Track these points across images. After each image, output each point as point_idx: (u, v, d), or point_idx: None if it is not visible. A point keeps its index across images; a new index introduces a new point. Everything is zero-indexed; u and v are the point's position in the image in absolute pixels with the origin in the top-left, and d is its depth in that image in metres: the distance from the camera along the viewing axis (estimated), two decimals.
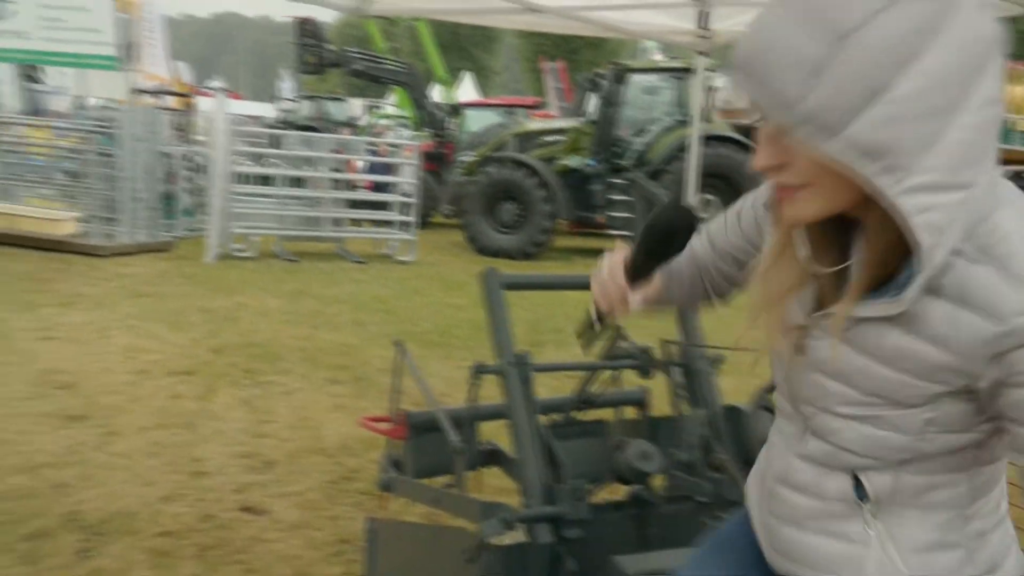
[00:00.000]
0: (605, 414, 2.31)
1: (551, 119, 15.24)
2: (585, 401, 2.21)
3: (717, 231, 1.16)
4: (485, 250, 11.16)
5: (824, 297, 0.91)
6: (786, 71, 0.71)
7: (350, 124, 20.26)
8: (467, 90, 24.24)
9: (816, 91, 0.70)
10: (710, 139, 10.62)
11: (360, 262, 9.77)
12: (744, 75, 0.75)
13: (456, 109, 15.67)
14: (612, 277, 1.06)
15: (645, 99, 11.82)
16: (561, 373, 4.15)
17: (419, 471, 2.25)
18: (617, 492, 2.03)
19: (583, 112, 12.50)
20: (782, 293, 0.93)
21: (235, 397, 4.52)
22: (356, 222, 10.91)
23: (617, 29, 4.23)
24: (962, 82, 0.71)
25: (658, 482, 1.91)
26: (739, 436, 1.94)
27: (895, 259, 0.81)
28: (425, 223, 12.41)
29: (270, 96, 33.02)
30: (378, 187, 11.21)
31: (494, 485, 2.62)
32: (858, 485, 0.92)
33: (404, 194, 10.49)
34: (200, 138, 12.53)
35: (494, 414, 2.07)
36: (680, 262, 1.12)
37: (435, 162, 14.03)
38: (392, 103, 21.93)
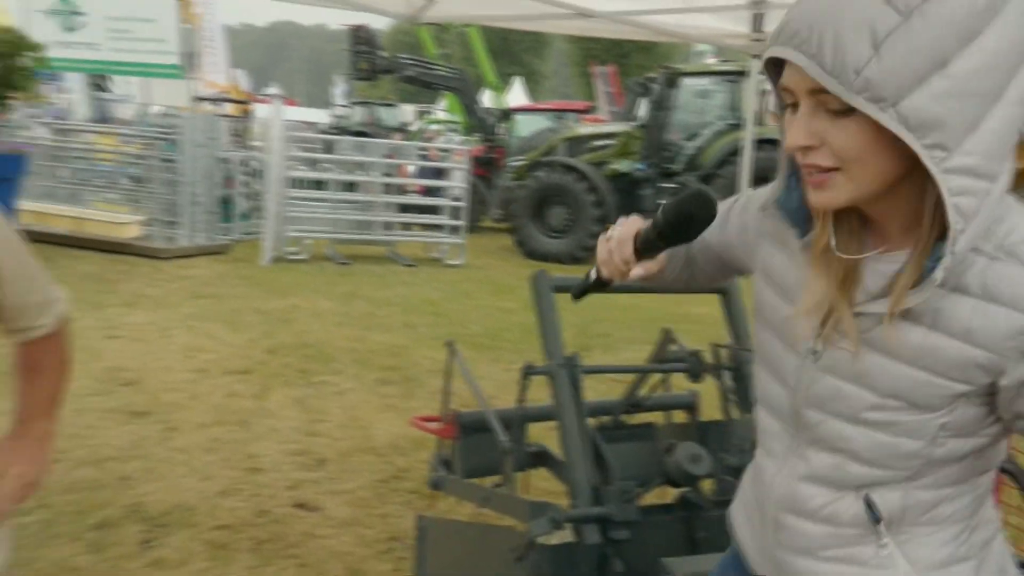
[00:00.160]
0: (654, 417, 2.31)
1: (601, 123, 15.19)
2: (634, 404, 2.22)
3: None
4: (534, 254, 11.19)
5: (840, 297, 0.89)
6: (851, 38, 0.71)
7: (402, 129, 20.52)
8: (517, 95, 24.34)
9: (880, 59, 0.70)
10: (762, 143, 10.47)
11: (410, 265, 9.89)
12: (801, 41, 0.74)
13: (506, 114, 15.73)
14: (620, 246, 1.05)
15: (697, 103, 11.70)
16: (611, 377, 4.15)
17: (468, 471, 2.28)
18: (666, 495, 2.03)
19: (633, 116, 12.43)
20: (826, 292, 0.90)
21: (289, 396, 4.63)
22: (407, 226, 11.04)
23: (669, 33, 4.20)
24: (1009, 70, 0.72)
25: (707, 486, 1.90)
26: None
27: (906, 257, 0.82)
28: (475, 227, 12.49)
29: (325, 102, 33.66)
30: (428, 191, 11.33)
31: (542, 487, 2.64)
32: (869, 507, 0.90)
33: (454, 198, 10.58)
34: (257, 143, 12.85)
35: (543, 415, 2.09)
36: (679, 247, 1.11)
37: (485, 167, 14.11)
38: (443, 108, 22.15)
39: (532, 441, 2.29)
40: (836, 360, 0.89)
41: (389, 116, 21.74)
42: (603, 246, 1.09)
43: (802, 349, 0.94)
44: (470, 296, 8.22)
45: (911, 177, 0.78)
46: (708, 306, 2.51)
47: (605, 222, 11.26)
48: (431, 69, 15.61)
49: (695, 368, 1.99)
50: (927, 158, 0.72)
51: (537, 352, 2.01)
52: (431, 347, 5.74)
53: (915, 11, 0.70)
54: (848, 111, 0.75)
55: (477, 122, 15.32)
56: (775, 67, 0.83)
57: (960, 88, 0.71)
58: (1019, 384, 0.79)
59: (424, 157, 12.27)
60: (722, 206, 1.10)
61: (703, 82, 11.77)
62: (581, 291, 1.17)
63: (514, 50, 40.00)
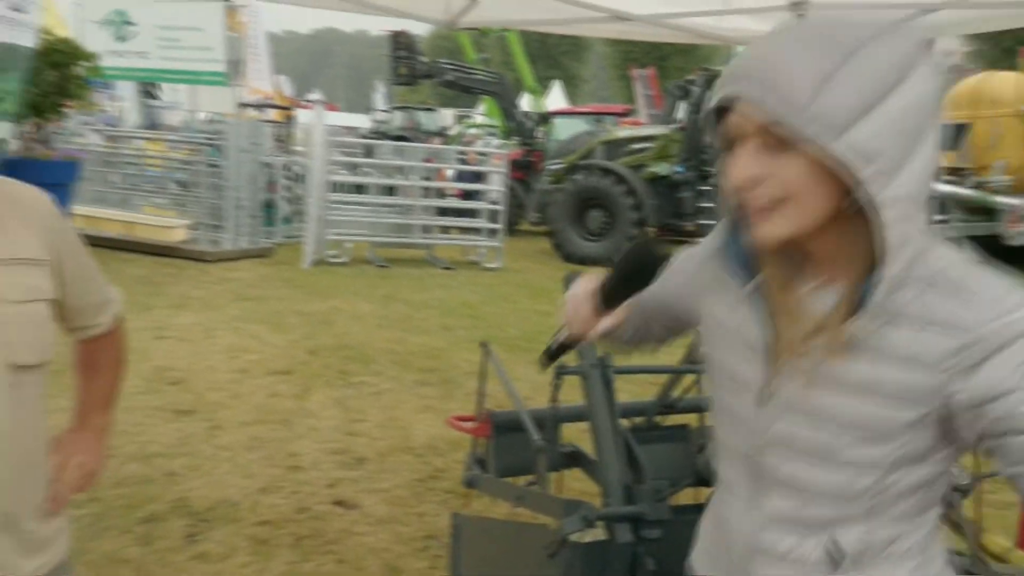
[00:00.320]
0: (688, 419, 2.31)
1: (639, 126, 15.13)
2: (668, 405, 2.22)
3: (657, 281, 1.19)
4: (572, 257, 11.19)
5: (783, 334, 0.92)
6: (799, 77, 0.78)
7: (441, 134, 20.69)
8: (556, 98, 24.34)
9: (826, 95, 0.77)
10: None
11: (449, 268, 9.97)
12: (754, 81, 0.81)
13: (544, 118, 15.77)
14: (582, 303, 1.09)
15: None
16: (644, 379, 4.14)
17: (502, 470, 2.30)
18: (699, 496, 2.03)
19: (672, 119, 12.37)
20: (772, 332, 0.93)
21: (329, 396, 4.72)
22: (445, 229, 11.14)
23: (708, 36, 4.17)
24: (930, 112, 0.81)
25: None
26: None
27: (843, 291, 0.87)
28: (513, 230, 12.54)
29: (366, 107, 34.08)
30: (467, 195, 11.41)
31: (576, 488, 2.66)
32: (834, 545, 0.92)
33: (492, 202, 10.64)
34: (299, 148, 13.08)
35: (576, 415, 2.11)
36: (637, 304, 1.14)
37: (523, 170, 14.16)
38: (482, 113, 22.26)
39: (566, 442, 2.31)
40: (789, 401, 0.91)
41: (429, 120, 21.95)
42: (567, 305, 1.13)
43: (755, 394, 0.95)
44: (507, 299, 8.26)
45: (847, 209, 0.83)
46: None
47: (643, 225, 11.23)
48: (470, 74, 15.72)
49: None
50: (867, 188, 0.78)
51: (571, 353, 2.03)
52: (468, 349, 5.79)
53: (854, 54, 0.78)
54: (790, 147, 0.81)
55: (515, 126, 15.38)
56: (716, 115, 0.89)
57: (894, 125, 0.78)
58: (972, 403, 0.81)
59: (463, 161, 12.36)
60: (673, 258, 1.14)
61: None
62: (553, 355, 1.17)
63: (553, 54, 40.04)
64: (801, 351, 0.89)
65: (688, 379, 2.23)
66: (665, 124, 12.57)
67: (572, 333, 1.12)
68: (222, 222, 9.72)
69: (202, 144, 10.38)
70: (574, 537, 1.66)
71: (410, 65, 15.16)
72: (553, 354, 1.17)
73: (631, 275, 1.05)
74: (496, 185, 10.80)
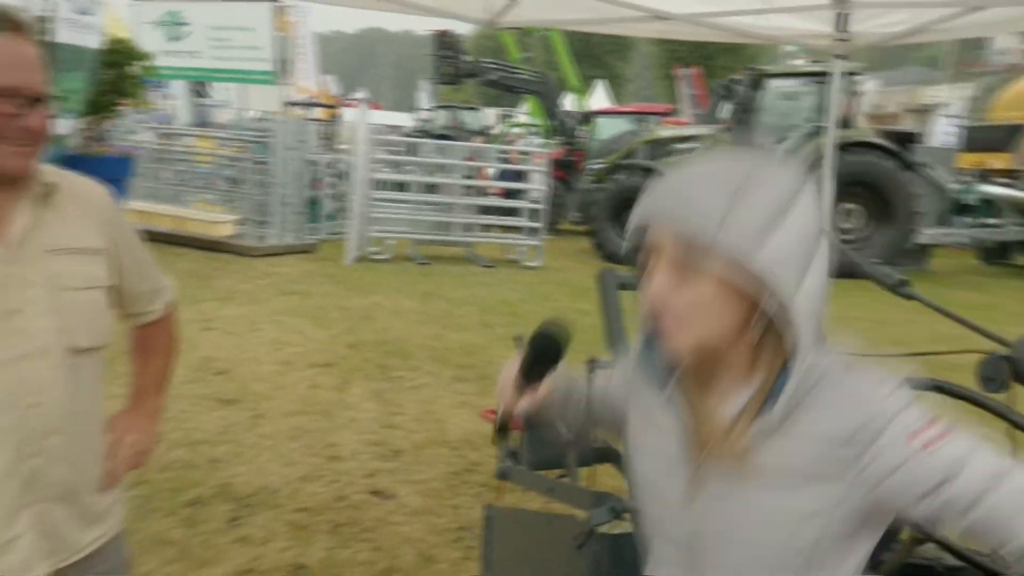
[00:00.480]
0: None
1: (682, 126, 15.02)
2: None
3: (603, 376, 1.24)
4: (612, 257, 11.16)
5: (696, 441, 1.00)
6: (711, 203, 0.89)
7: (484, 132, 20.78)
8: (600, 98, 24.27)
9: (732, 219, 0.87)
10: (853, 146, 10.15)
11: (489, 266, 10.03)
12: (671, 206, 0.92)
13: (587, 117, 15.74)
14: (508, 380, 1.16)
15: (784, 105, 11.44)
16: None
17: (535, 463, 2.34)
18: None
19: (716, 119, 12.25)
20: (688, 437, 1.00)
21: (368, 389, 4.81)
22: (486, 227, 11.21)
23: (750, 35, 4.15)
24: (817, 235, 0.91)
25: None
26: None
27: (749, 394, 0.96)
28: (553, 229, 12.55)
29: (410, 106, 34.38)
30: (508, 194, 11.46)
31: (609, 484, 2.68)
32: None
33: (533, 201, 10.68)
34: (343, 146, 13.28)
35: None
36: (583, 390, 1.23)
37: (565, 169, 14.16)
38: (525, 112, 22.30)
39: (599, 439, 2.33)
40: (709, 502, 0.98)
41: (472, 119, 22.06)
42: (499, 383, 1.20)
43: (678, 495, 1.01)
44: (547, 298, 8.29)
45: (752, 322, 0.92)
46: None
47: None
48: (513, 73, 15.78)
49: None
50: (773, 301, 0.88)
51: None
52: (507, 347, 5.82)
53: (748, 189, 0.88)
54: (701, 265, 0.90)
55: (558, 125, 15.38)
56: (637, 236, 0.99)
57: (791, 246, 0.88)
58: (875, 482, 0.89)
59: (504, 160, 12.42)
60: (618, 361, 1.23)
61: (789, 84, 11.51)
62: (499, 430, 1.21)
63: (597, 53, 39.86)
64: (717, 452, 0.97)
65: None
66: (709, 124, 12.47)
67: (504, 410, 1.18)
68: (268, 218, 9.92)
69: (250, 142, 10.61)
70: (602, 529, 1.69)
71: (453, 64, 15.27)
72: (499, 430, 1.21)
73: (538, 356, 1.13)
74: (537, 184, 10.83)
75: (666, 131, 13.10)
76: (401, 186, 10.77)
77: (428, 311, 7.17)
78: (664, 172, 0.97)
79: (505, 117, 24.30)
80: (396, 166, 11.12)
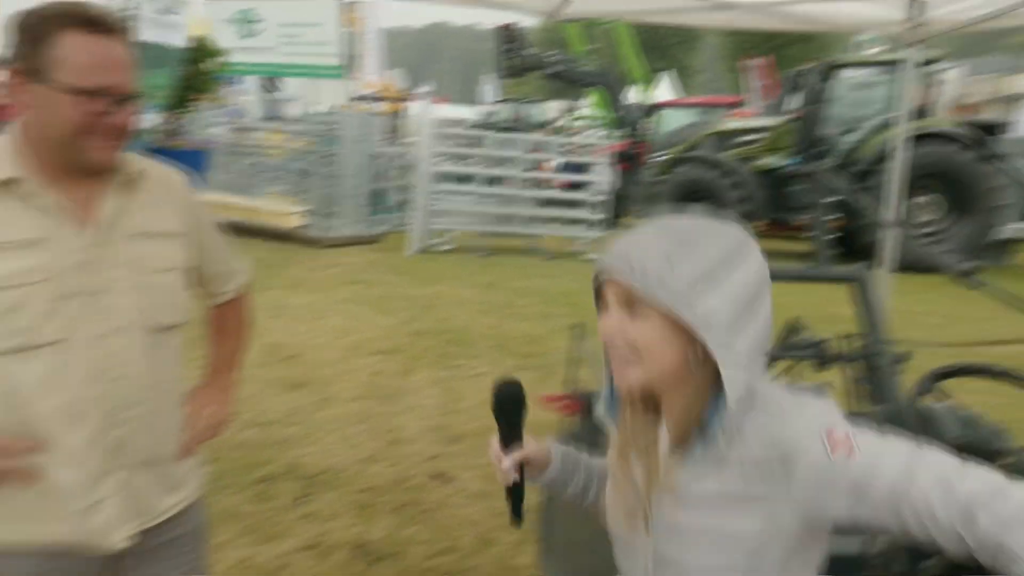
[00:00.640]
0: None
1: (748, 118, 14.72)
2: None
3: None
4: None
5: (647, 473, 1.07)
6: (652, 259, 0.98)
7: (547, 125, 20.76)
8: (665, 90, 23.95)
9: (671, 273, 0.97)
10: (928, 136, 9.77)
11: (550, 258, 10.06)
12: (620, 261, 1.00)
13: (651, 109, 15.56)
14: (496, 457, 1.23)
15: (856, 95, 11.09)
16: None
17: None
18: None
19: (784, 110, 11.97)
20: (641, 469, 1.08)
21: (430, 377, 4.91)
22: (549, 220, 11.23)
23: (817, 22, 4.06)
24: (761, 288, 1.00)
25: None
26: (925, 434, 1.88)
27: (690, 425, 1.04)
28: (616, 222, 12.49)
29: (474, 100, 34.58)
30: (571, 186, 11.44)
31: None
32: None
33: (596, 193, 10.64)
34: (408, 140, 13.48)
35: None
36: (579, 458, 1.31)
37: (628, 162, 14.05)
38: (589, 104, 22.18)
39: None
40: (663, 527, 1.05)
41: (535, 112, 22.07)
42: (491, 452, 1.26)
43: (638, 524, 1.08)
44: None
45: (694, 363, 0.99)
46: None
47: (752, 219, 10.92)
48: (576, 66, 15.70)
49: (821, 356, 1.98)
50: (709, 345, 0.95)
51: None
52: (566, 337, 5.85)
53: (695, 244, 0.98)
54: (645, 310, 0.99)
55: (621, 117, 15.26)
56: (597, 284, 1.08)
57: (734, 297, 0.96)
58: (806, 497, 0.94)
59: (567, 152, 12.40)
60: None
61: (861, 73, 11.14)
62: (513, 508, 1.24)
63: (664, 45, 39.33)
64: (659, 483, 1.05)
65: (779, 366, 2.23)
66: (777, 115, 12.19)
67: (505, 481, 1.23)
68: (335, 209, 10.16)
69: (318, 135, 10.87)
70: None
71: (517, 57, 15.28)
72: (513, 507, 1.24)
73: (499, 415, 1.20)
74: (600, 176, 10.78)
75: (731, 123, 12.85)
76: (464, 179, 10.87)
77: (489, 301, 7.24)
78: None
79: (569, 110, 24.21)
80: (459, 159, 11.23)
